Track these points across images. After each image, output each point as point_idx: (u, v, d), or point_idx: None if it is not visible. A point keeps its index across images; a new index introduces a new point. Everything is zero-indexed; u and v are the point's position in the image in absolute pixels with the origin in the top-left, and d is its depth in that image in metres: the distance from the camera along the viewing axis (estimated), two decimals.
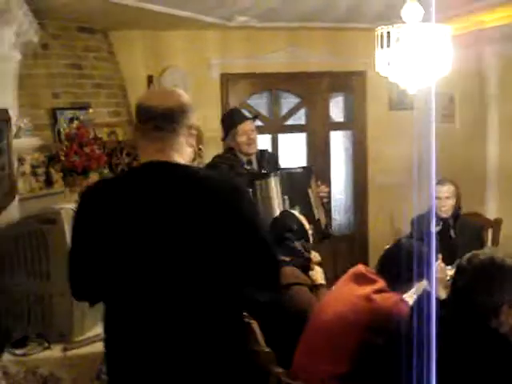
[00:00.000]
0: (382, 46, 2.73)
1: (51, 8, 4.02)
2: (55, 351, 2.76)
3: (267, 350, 2.19)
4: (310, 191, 3.79)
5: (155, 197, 1.84)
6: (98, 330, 2.92)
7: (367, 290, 2.54)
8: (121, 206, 1.85)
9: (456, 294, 2.05)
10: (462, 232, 4.08)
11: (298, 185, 3.76)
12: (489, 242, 4.37)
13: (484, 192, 5.20)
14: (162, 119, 1.90)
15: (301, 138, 5.78)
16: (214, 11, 4.47)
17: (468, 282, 2.00)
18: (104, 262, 1.88)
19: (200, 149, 5.18)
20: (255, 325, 2.44)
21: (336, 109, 6.11)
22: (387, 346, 2.22)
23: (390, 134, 5.57)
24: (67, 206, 2.86)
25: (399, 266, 2.57)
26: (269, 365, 2.09)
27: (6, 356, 2.72)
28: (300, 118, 5.82)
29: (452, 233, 4.05)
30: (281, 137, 5.69)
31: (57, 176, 3.58)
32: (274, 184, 3.65)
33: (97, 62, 4.71)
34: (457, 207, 4.08)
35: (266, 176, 3.67)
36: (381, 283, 2.56)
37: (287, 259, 3.04)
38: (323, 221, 3.84)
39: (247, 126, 3.79)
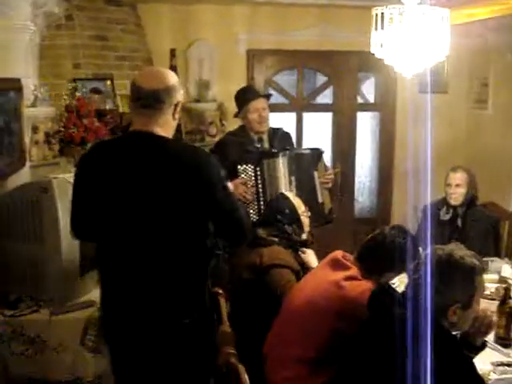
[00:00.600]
0: (376, 28, 2.67)
1: None
2: (43, 314, 2.88)
3: (229, 330, 2.22)
4: (315, 173, 3.75)
5: (135, 160, 2.24)
6: (87, 297, 3.05)
7: (338, 276, 2.52)
8: (109, 166, 2.28)
9: (412, 290, 2.01)
10: (475, 222, 3.97)
11: (305, 166, 3.74)
12: (505, 235, 4.23)
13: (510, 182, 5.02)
14: (148, 99, 2.25)
15: (327, 118, 5.71)
16: None
17: (420, 278, 1.96)
18: (96, 210, 2.31)
19: (223, 124, 5.22)
20: (223, 301, 2.47)
21: (367, 89, 6.02)
22: (355, 335, 2.21)
23: (419, 117, 5.43)
24: (60, 176, 2.95)
25: (376, 256, 2.55)
26: (224, 344, 2.12)
27: None
28: (327, 97, 5.75)
29: (459, 222, 3.96)
30: (306, 115, 5.65)
31: None
32: (281, 164, 3.63)
33: (123, 34, 4.77)
34: (469, 196, 3.97)
35: (275, 155, 3.65)
36: (353, 270, 2.54)
37: (275, 239, 3.08)
38: (327, 205, 3.81)
39: (259, 103, 3.77)
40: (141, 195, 2.23)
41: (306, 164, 3.75)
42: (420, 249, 2.66)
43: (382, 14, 2.63)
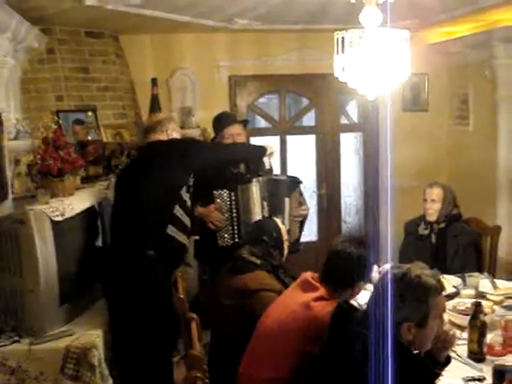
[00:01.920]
0: (337, 52, 2.74)
1: (55, 15, 4.18)
2: (23, 344, 2.92)
3: (198, 354, 2.25)
4: (287, 201, 3.81)
5: None
6: (66, 326, 3.09)
7: (307, 297, 2.56)
8: None
9: (370, 308, 2.05)
10: (455, 238, 4.00)
11: (278, 192, 3.80)
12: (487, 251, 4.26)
13: (494, 197, 5.07)
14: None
15: (310, 140, 5.78)
16: (211, 15, 4.55)
17: (377, 296, 2.00)
18: None
19: None
20: (194, 325, 2.51)
21: (352, 110, 6.10)
22: (321, 355, 2.24)
23: (402, 136, 5.50)
24: (37, 207, 3.01)
25: (337, 274, 2.59)
26: (192, 368, 2.15)
27: None
28: (310, 119, 5.83)
29: (433, 238, 4.00)
30: (290, 138, 5.71)
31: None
32: (254, 189, 3.72)
33: (104, 65, 4.86)
34: (446, 212, 4.00)
35: (248, 181, 3.73)
36: (321, 291, 2.58)
37: (258, 262, 3.12)
38: (294, 235, 3.86)
39: (233, 129, 3.85)
40: None
41: (279, 190, 3.82)
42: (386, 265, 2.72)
43: (343, 38, 2.70)
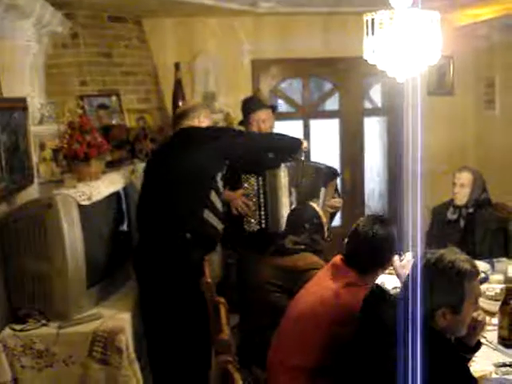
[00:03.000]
0: (367, 33, 2.70)
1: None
2: (51, 328, 2.93)
3: (227, 338, 2.24)
4: (323, 190, 3.77)
5: None
6: (94, 310, 3.11)
7: (337, 283, 2.52)
8: None
9: (403, 294, 2.01)
10: (484, 223, 3.96)
11: (313, 179, 3.76)
12: None
13: None
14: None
15: (334, 124, 5.73)
16: None
17: (410, 282, 1.96)
18: None
19: None
20: (223, 310, 2.50)
21: (375, 94, 6.03)
22: (353, 340, 2.22)
23: (427, 120, 5.41)
24: (65, 192, 3.01)
25: (363, 256, 2.55)
26: (222, 352, 2.14)
27: (6, 331, 2.91)
28: (333, 103, 5.77)
29: (462, 223, 3.95)
30: (313, 123, 5.66)
31: None
32: (282, 175, 3.67)
33: (127, 49, 4.85)
34: (476, 197, 3.96)
35: (277, 166, 3.70)
36: (351, 275, 2.53)
37: (302, 246, 3.13)
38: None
39: (259, 115, 3.82)
40: None
41: (315, 178, 3.77)
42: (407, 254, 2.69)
43: (373, 19, 2.65)
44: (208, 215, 3.28)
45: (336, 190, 3.90)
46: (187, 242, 3.20)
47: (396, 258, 2.91)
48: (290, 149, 3.76)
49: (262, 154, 3.77)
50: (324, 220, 3.32)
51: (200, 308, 2.97)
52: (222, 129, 3.82)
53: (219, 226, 3.38)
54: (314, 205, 3.38)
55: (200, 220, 3.26)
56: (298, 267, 2.97)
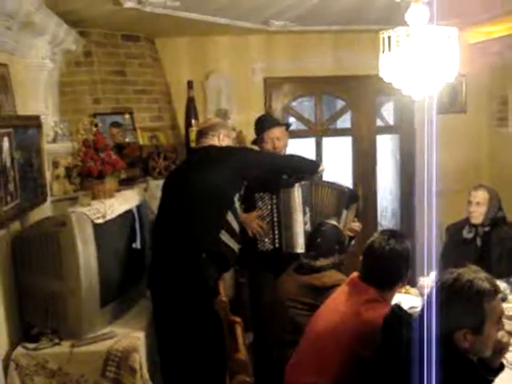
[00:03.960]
0: (383, 51, 2.68)
1: (93, 18, 4.20)
2: (64, 347, 2.91)
3: (244, 358, 2.21)
4: (345, 213, 3.74)
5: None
6: (107, 329, 3.08)
7: (357, 301, 2.49)
8: None
9: (422, 314, 1.97)
10: (500, 242, 3.91)
11: (337, 201, 3.74)
12: None
13: None
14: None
15: (346, 142, 5.72)
16: (248, 17, 4.52)
17: (430, 302, 1.92)
18: None
19: None
20: (239, 329, 2.47)
21: (388, 111, 6.02)
22: (373, 359, 2.19)
23: (440, 138, 5.39)
24: (79, 210, 3.00)
25: (380, 271, 2.52)
26: (239, 372, 2.11)
27: (19, 349, 2.89)
28: (346, 121, 5.77)
29: (478, 242, 3.90)
30: (325, 140, 5.65)
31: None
32: (296, 193, 3.65)
33: (140, 68, 4.87)
34: (492, 215, 3.91)
35: (291, 185, 3.67)
36: (371, 292, 2.50)
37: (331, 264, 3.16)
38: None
39: (273, 133, 3.81)
40: None
41: (333, 198, 3.75)
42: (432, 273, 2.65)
43: (389, 37, 2.64)
44: (224, 236, 3.24)
45: (356, 214, 3.86)
46: (203, 261, 3.16)
47: (421, 279, 2.87)
48: (308, 171, 3.74)
49: (279, 175, 3.76)
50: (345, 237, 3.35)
51: (214, 327, 2.94)
52: (241, 149, 3.73)
53: (235, 246, 3.33)
54: (335, 223, 3.39)
55: (216, 240, 3.22)
56: (326, 284, 2.96)
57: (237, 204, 3.35)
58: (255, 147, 3.98)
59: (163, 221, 3.34)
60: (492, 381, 2.12)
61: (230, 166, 3.26)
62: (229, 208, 3.28)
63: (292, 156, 3.83)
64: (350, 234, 3.77)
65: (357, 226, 3.82)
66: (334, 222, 3.45)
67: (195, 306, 3.13)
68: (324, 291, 2.93)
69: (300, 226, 3.64)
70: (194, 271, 3.15)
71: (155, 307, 3.30)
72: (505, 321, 2.91)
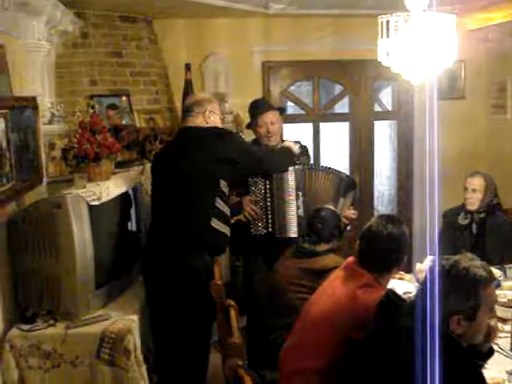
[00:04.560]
0: (382, 36, 2.67)
1: None
2: (59, 328, 2.91)
3: (238, 341, 2.22)
4: (341, 200, 3.74)
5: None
6: (102, 310, 3.08)
7: (352, 285, 2.50)
8: None
9: (417, 300, 1.98)
10: (495, 229, 3.92)
11: (334, 187, 3.74)
12: None
13: None
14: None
15: (344, 127, 5.70)
16: None
17: (425, 288, 1.93)
18: None
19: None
20: (233, 313, 2.48)
21: (385, 97, 6.01)
22: (365, 344, 2.20)
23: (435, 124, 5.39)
24: (75, 192, 3.00)
25: (380, 256, 2.52)
26: (232, 356, 2.12)
27: (14, 331, 2.89)
28: (343, 106, 5.75)
29: (474, 228, 3.91)
30: (323, 125, 5.64)
31: None
32: (289, 178, 3.64)
33: (138, 50, 4.84)
34: (487, 202, 3.92)
35: (284, 169, 3.66)
36: (366, 277, 2.50)
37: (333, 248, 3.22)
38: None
39: (267, 117, 3.78)
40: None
41: (330, 183, 3.74)
42: (428, 258, 2.66)
43: (388, 22, 2.63)
44: (216, 223, 3.18)
45: (353, 202, 3.86)
46: (196, 246, 3.14)
47: (418, 265, 2.88)
48: (283, 166, 3.65)
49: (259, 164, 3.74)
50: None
51: (209, 311, 2.95)
52: (222, 134, 3.37)
53: (227, 230, 3.28)
54: (332, 208, 3.40)
55: (207, 228, 3.16)
56: (327, 266, 2.98)
57: (224, 188, 3.23)
58: (249, 133, 3.98)
59: (155, 206, 3.31)
60: (482, 366, 2.14)
61: (210, 152, 3.15)
62: (215, 195, 3.18)
63: (277, 154, 3.71)
64: (346, 221, 3.77)
65: (352, 213, 3.82)
66: (331, 207, 3.45)
67: (186, 289, 3.11)
68: (324, 274, 2.93)
69: (293, 210, 3.64)
70: (186, 257, 3.12)
71: (148, 291, 3.29)
72: (498, 307, 2.94)
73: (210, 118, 3.33)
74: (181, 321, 3.13)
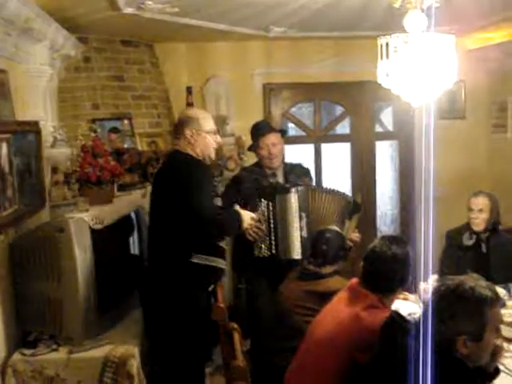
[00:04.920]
0: (381, 57, 2.69)
1: (92, 23, 4.21)
2: (62, 353, 2.91)
3: (242, 365, 2.21)
4: (347, 222, 3.72)
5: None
6: (105, 335, 3.07)
7: (357, 307, 2.48)
8: None
9: (422, 321, 1.97)
10: (496, 249, 3.91)
11: (341, 209, 3.70)
12: None
13: None
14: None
15: (345, 148, 5.72)
16: (248, 23, 4.52)
17: (430, 309, 1.92)
18: None
19: (241, 158, 5.26)
20: (237, 336, 2.46)
21: (386, 118, 6.03)
22: (370, 365, 2.18)
23: (438, 144, 5.39)
24: (77, 216, 3.00)
25: (385, 277, 2.51)
26: (237, 379, 2.11)
27: (17, 355, 2.89)
28: (344, 127, 5.77)
29: (484, 248, 3.89)
30: (324, 146, 5.66)
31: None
32: (292, 200, 3.62)
33: (140, 74, 4.89)
34: (492, 222, 3.91)
35: (287, 191, 3.65)
36: (371, 298, 2.49)
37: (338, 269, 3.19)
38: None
39: (268, 139, 3.78)
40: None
41: (337, 205, 3.71)
42: (432, 277, 2.65)
43: (387, 43, 2.65)
44: (200, 258, 3.03)
45: (357, 225, 3.85)
46: (176, 281, 3.04)
47: (421, 285, 2.86)
48: (223, 232, 3.26)
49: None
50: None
51: (200, 333, 2.96)
52: (188, 165, 3.07)
53: (221, 264, 3.19)
54: (338, 229, 3.38)
55: (186, 264, 3.01)
56: (330, 289, 2.94)
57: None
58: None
59: (151, 228, 3.21)
60: None
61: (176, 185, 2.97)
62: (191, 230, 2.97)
63: (222, 217, 3.22)
64: (350, 244, 3.75)
65: (357, 236, 3.80)
66: (336, 228, 3.43)
67: (182, 311, 3.04)
68: (328, 296, 2.90)
69: (296, 231, 3.62)
70: (180, 279, 3.04)
71: (144, 313, 3.22)
72: (503, 327, 2.92)
73: (194, 138, 3.12)
74: (176, 342, 3.08)
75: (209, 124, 3.22)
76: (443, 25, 4.48)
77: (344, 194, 3.86)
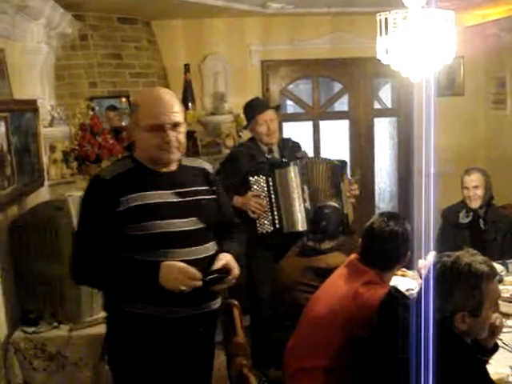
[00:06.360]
0: (380, 33, 2.67)
1: (89, 0, 4.17)
2: (63, 331, 2.93)
3: (242, 341, 2.24)
4: (342, 185, 3.74)
5: None
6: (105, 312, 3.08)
7: (355, 283, 2.50)
8: None
9: (420, 297, 1.98)
10: (494, 224, 3.93)
11: (332, 177, 3.72)
12: None
13: None
14: None
15: (344, 125, 5.71)
16: None
17: (427, 285, 1.93)
18: None
19: (240, 136, 5.25)
20: (237, 312, 2.48)
21: (385, 94, 6.01)
22: (368, 340, 2.20)
23: (437, 121, 5.39)
24: (75, 194, 3.00)
25: (384, 253, 2.52)
26: (237, 355, 2.13)
27: (18, 333, 2.91)
28: (343, 104, 5.75)
29: (482, 224, 3.91)
30: (323, 124, 5.65)
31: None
32: (293, 173, 3.63)
33: (137, 51, 4.85)
34: (487, 197, 3.93)
35: (286, 165, 3.66)
36: (369, 274, 2.51)
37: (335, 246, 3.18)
38: (351, 217, 3.78)
39: (267, 115, 3.77)
40: None
41: (328, 175, 3.73)
42: (431, 253, 2.66)
43: (386, 19, 2.63)
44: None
45: (357, 180, 3.87)
46: None
47: (420, 262, 2.88)
48: None
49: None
50: (351, 216, 3.39)
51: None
52: None
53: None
54: (336, 205, 3.39)
55: None
56: (330, 265, 2.95)
57: None
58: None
59: None
60: (486, 361, 2.15)
61: None
62: None
63: None
64: (352, 200, 3.78)
65: (354, 189, 3.82)
66: (334, 203, 3.44)
67: None
68: (328, 272, 2.91)
69: (300, 204, 3.62)
70: None
71: None
72: (501, 302, 2.94)
73: (134, 135, 2.29)
74: None
75: (150, 116, 2.18)
76: (442, 1, 4.46)
77: (329, 159, 3.88)
